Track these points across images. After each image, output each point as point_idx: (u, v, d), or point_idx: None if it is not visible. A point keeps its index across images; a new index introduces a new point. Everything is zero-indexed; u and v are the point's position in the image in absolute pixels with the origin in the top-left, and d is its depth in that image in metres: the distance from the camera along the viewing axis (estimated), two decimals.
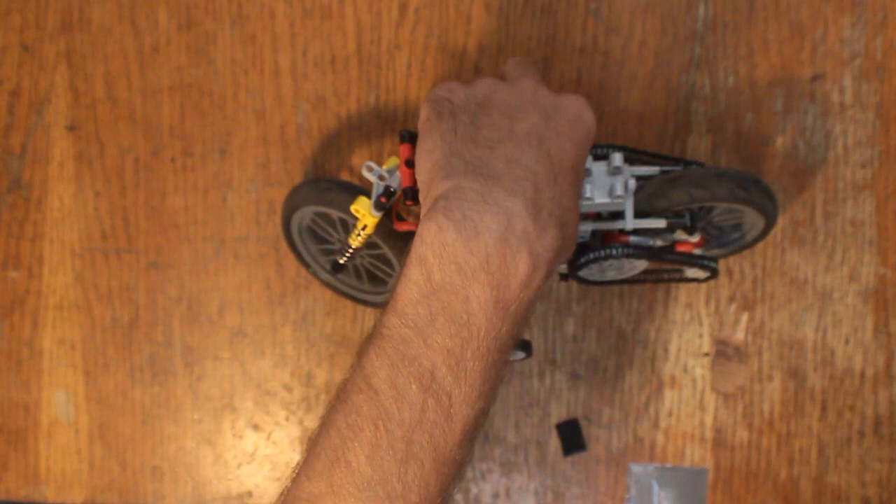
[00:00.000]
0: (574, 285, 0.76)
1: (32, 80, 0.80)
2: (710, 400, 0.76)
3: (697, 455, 0.76)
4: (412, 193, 0.59)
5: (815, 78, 0.74)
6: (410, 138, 0.60)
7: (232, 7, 0.78)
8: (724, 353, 0.75)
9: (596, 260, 0.66)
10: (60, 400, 0.81)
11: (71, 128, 0.79)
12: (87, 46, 0.79)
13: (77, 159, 0.79)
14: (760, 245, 0.74)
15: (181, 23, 0.78)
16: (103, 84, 0.79)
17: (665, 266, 0.72)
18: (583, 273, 0.69)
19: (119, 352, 0.80)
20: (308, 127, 0.77)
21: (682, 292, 0.75)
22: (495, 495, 0.77)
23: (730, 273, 0.75)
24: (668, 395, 0.76)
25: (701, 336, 0.75)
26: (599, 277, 0.70)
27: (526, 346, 0.67)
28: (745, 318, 0.75)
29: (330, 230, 0.72)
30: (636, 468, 0.76)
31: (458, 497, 0.78)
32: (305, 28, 0.77)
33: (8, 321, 0.81)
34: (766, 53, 0.74)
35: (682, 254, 0.67)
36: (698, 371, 0.75)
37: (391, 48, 0.76)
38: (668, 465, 0.76)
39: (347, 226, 0.71)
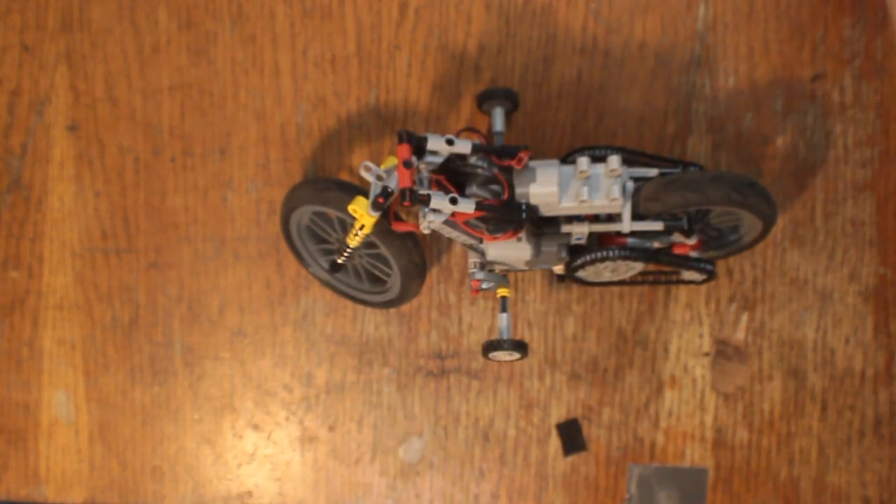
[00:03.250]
0: (574, 285, 0.76)
1: (32, 80, 0.80)
2: (710, 400, 0.75)
3: (697, 455, 0.76)
4: (410, 194, 0.58)
5: (815, 78, 0.74)
6: (409, 138, 0.60)
7: (232, 7, 0.78)
8: (724, 353, 0.75)
9: (592, 262, 0.65)
10: (60, 400, 0.81)
11: (71, 128, 0.79)
12: (87, 46, 0.79)
13: (77, 159, 0.79)
14: (760, 245, 0.74)
15: (181, 23, 0.78)
16: (103, 84, 0.79)
17: (662, 268, 0.72)
18: (579, 274, 0.69)
19: (119, 352, 0.80)
20: (308, 127, 0.77)
21: (683, 292, 0.75)
22: (495, 495, 0.77)
23: (730, 273, 0.75)
24: (668, 395, 0.76)
25: (701, 336, 0.75)
26: (596, 278, 0.70)
27: (521, 347, 0.67)
28: (745, 318, 0.75)
29: (329, 230, 0.72)
30: (636, 468, 0.76)
31: (459, 497, 0.78)
32: (305, 28, 0.77)
33: (8, 321, 0.81)
34: (766, 53, 0.74)
35: (678, 256, 0.67)
36: (698, 371, 0.75)
37: (391, 48, 0.76)
38: (668, 465, 0.76)
39: (346, 225, 0.71)
